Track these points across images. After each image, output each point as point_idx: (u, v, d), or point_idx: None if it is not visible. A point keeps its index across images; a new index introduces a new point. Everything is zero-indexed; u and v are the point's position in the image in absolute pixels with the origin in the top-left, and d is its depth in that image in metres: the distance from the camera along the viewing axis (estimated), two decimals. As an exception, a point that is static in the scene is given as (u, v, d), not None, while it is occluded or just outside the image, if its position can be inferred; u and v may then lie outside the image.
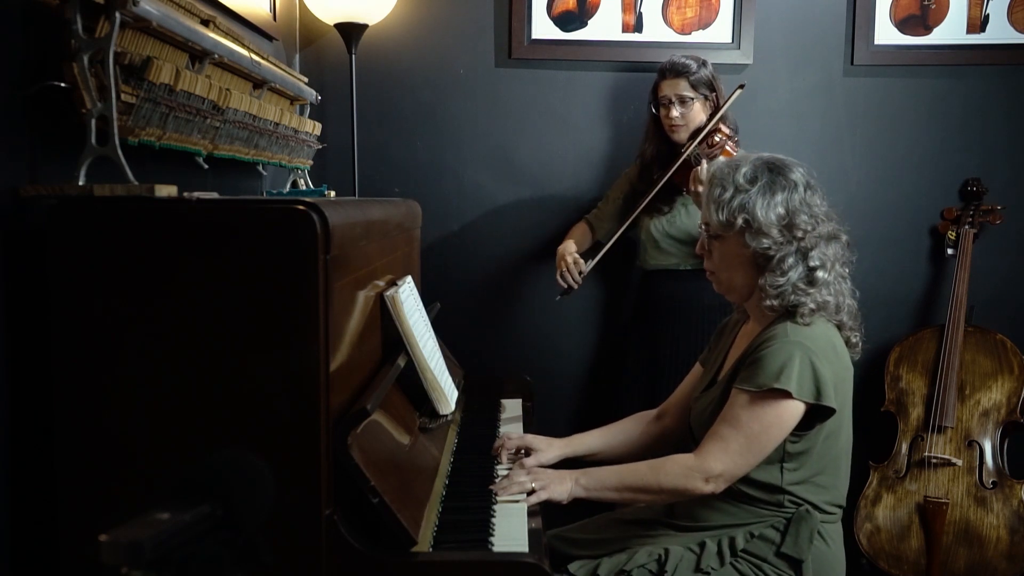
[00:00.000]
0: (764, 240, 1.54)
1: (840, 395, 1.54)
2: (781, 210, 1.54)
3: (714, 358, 1.77)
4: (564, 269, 2.49)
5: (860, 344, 1.65)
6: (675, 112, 2.50)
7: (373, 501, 1.29)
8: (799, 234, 1.54)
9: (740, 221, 1.54)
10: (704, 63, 2.53)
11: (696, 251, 1.70)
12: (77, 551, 1.25)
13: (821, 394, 1.49)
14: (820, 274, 1.55)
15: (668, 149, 2.58)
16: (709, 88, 2.52)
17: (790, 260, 1.54)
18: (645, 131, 2.65)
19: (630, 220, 2.50)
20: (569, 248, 2.56)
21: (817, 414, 1.53)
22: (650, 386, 2.56)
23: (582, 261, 2.51)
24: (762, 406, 1.50)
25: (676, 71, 2.50)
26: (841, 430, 1.59)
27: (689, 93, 2.49)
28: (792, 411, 1.50)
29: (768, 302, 1.56)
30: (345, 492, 1.29)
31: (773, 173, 1.57)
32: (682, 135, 2.53)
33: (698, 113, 2.52)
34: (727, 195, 1.56)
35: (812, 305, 1.54)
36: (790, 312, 1.56)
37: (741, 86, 2.50)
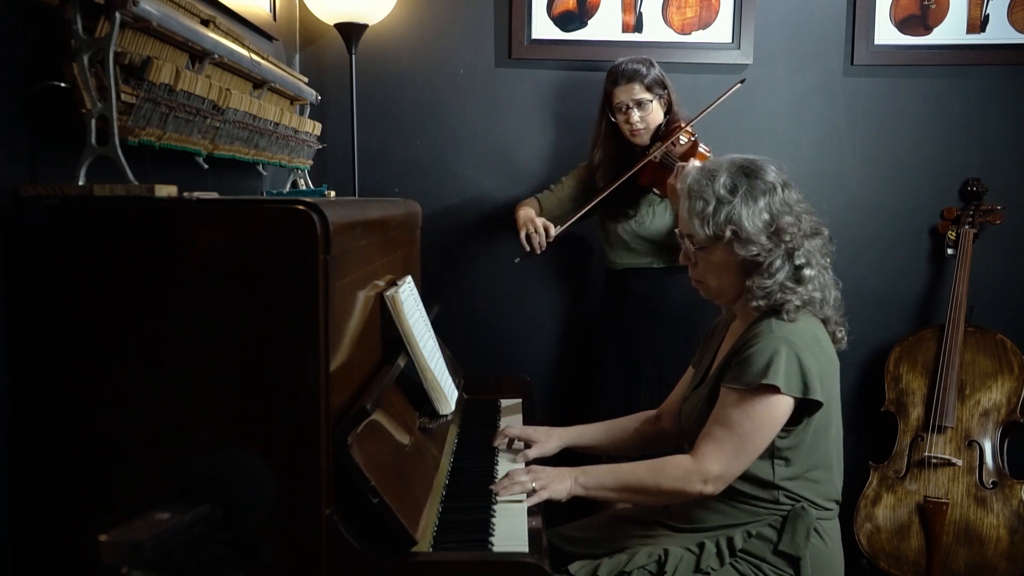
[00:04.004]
0: (753, 247, 1.55)
1: (827, 388, 1.55)
2: (766, 216, 1.55)
3: (704, 359, 1.78)
4: (532, 231, 2.44)
5: (845, 337, 1.67)
6: (635, 116, 2.48)
7: (373, 501, 1.28)
8: (786, 237, 1.55)
9: (728, 233, 1.55)
10: (652, 63, 2.52)
11: (680, 260, 1.70)
12: (77, 551, 1.25)
13: (808, 388, 1.51)
14: (807, 271, 1.57)
15: (626, 152, 2.55)
16: (662, 87, 2.52)
17: (777, 263, 1.56)
18: (595, 136, 2.60)
19: (584, 211, 2.48)
20: (532, 214, 2.53)
21: (805, 408, 1.54)
22: (627, 385, 2.55)
23: (551, 226, 2.47)
24: (752, 403, 1.51)
25: (628, 76, 2.48)
26: (830, 424, 1.60)
27: (646, 96, 2.48)
28: (782, 406, 1.51)
29: (755, 303, 1.57)
30: (345, 492, 1.29)
31: (751, 178, 1.57)
32: (644, 138, 2.51)
33: (657, 113, 2.51)
34: (710, 208, 1.55)
35: (798, 302, 1.56)
36: (775, 309, 1.57)
37: (742, 81, 2.51)
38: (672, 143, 2.44)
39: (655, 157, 2.44)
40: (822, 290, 1.60)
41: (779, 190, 1.57)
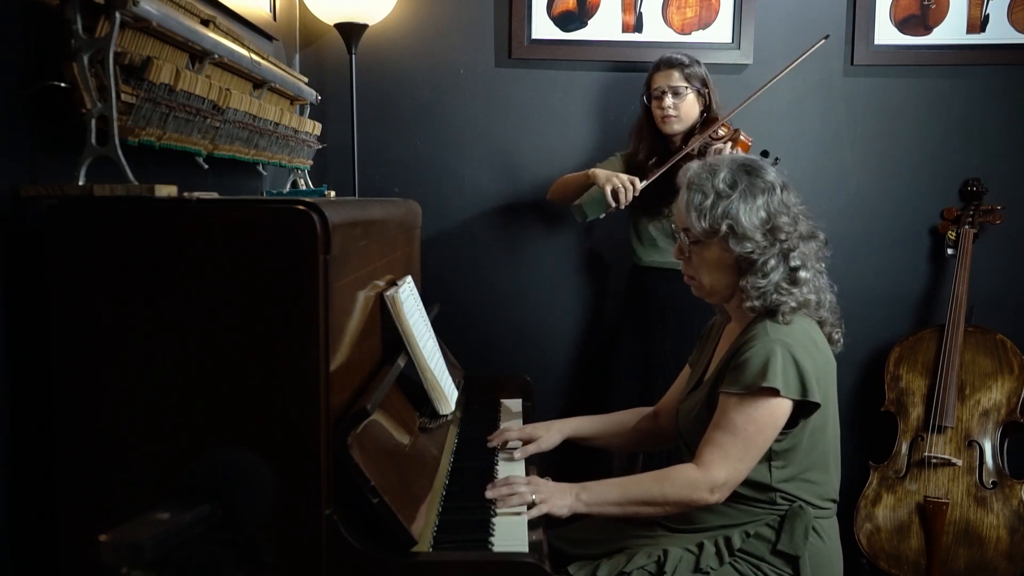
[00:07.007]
0: (748, 244, 1.54)
1: (823, 389, 1.54)
2: (763, 214, 1.54)
3: (701, 360, 1.78)
4: (620, 186, 2.43)
5: (842, 339, 1.66)
6: (668, 101, 2.51)
7: (373, 501, 1.28)
8: (782, 236, 1.55)
9: (724, 227, 1.54)
10: (698, 62, 2.56)
11: (674, 255, 1.70)
12: (77, 551, 1.25)
13: (807, 390, 1.50)
14: (802, 273, 1.56)
15: (662, 146, 2.58)
16: (702, 83, 2.54)
17: (772, 262, 1.55)
18: (636, 129, 2.63)
19: (664, 170, 2.45)
20: (613, 171, 2.51)
21: (802, 410, 1.54)
22: (644, 385, 2.55)
23: (637, 179, 2.46)
24: (753, 407, 1.50)
25: (669, 63, 2.54)
26: (827, 425, 1.60)
27: (682, 84, 2.51)
28: (782, 409, 1.51)
29: (749, 303, 1.57)
30: (345, 492, 1.29)
31: (751, 176, 1.57)
32: (675, 126, 2.53)
33: (692, 106, 2.53)
34: (708, 201, 1.55)
35: (793, 303, 1.55)
36: (770, 311, 1.56)
37: (826, 36, 2.54)
38: (710, 135, 2.46)
39: (693, 149, 2.45)
40: (817, 293, 1.59)
41: (778, 190, 1.57)
